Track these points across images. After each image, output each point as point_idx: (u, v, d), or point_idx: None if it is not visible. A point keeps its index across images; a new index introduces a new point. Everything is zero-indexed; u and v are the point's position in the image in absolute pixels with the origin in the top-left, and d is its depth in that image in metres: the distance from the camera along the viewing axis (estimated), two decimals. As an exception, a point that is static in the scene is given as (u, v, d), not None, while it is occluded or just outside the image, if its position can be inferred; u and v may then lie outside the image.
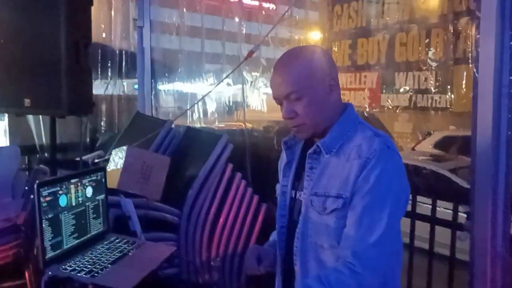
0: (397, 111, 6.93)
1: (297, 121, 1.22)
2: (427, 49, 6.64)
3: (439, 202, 2.56)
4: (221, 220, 2.46)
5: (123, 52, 3.96)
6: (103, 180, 1.46)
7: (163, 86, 3.88)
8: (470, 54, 5.62)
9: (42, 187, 1.18)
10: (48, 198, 1.20)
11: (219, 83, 2.86)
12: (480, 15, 1.65)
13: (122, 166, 2.23)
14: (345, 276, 1.08)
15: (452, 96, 6.29)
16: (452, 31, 6.33)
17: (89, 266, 1.23)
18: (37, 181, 1.16)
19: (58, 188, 1.25)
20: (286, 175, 1.34)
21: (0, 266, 2.87)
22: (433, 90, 6.58)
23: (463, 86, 6.03)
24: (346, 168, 1.18)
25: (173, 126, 2.81)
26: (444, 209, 2.60)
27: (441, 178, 4.79)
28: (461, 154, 5.57)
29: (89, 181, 1.39)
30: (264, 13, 4.35)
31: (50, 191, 1.21)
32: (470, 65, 5.64)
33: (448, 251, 2.47)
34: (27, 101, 1.95)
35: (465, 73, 5.97)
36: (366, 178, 1.14)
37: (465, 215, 2.27)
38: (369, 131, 1.24)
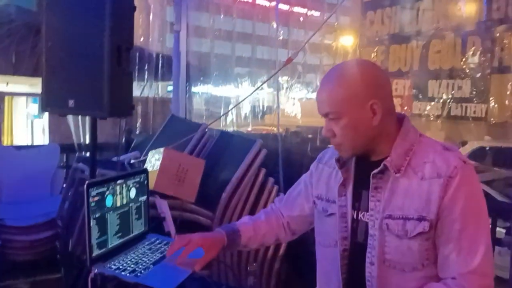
0: (431, 119, 6.78)
1: (335, 141, 1.21)
2: (462, 56, 6.48)
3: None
4: (253, 224, 2.49)
5: (159, 55, 4.05)
6: (146, 182, 1.50)
7: (196, 89, 3.95)
8: (509, 63, 5.45)
9: (91, 187, 1.23)
10: (96, 198, 1.24)
11: (256, 89, 2.89)
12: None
13: (158, 167, 2.28)
14: None
15: (489, 105, 6.11)
16: (489, 38, 6.16)
17: (132, 265, 1.26)
18: (87, 182, 1.21)
19: (105, 189, 1.29)
20: (342, 195, 1.26)
21: (37, 260, 2.99)
22: (468, 99, 6.41)
23: (501, 95, 5.86)
24: (424, 188, 1.13)
25: (207, 130, 2.85)
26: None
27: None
28: (496, 166, 5.40)
29: (133, 183, 1.43)
30: (297, 18, 4.37)
31: (98, 191, 1.26)
32: (509, 74, 5.48)
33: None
34: (71, 102, 2.00)
35: (503, 83, 5.80)
36: (454, 199, 1.10)
37: (502, 230, 2.22)
38: (436, 144, 1.19)
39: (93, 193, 1.23)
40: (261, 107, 4.38)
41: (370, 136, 1.18)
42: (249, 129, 4.50)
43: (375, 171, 1.18)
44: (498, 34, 5.95)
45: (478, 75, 6.11)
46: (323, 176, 1.36)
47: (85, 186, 1.20)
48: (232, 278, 2.30)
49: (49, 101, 2.06)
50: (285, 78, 3.99)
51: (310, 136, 4.82)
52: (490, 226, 2.37)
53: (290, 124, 4.76)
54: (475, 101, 6.20)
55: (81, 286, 1.95)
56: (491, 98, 5.97)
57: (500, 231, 2.25)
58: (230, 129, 3.90)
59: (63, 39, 1.98)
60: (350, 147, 1.20)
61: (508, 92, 5.64)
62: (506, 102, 5.70)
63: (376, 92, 1.16)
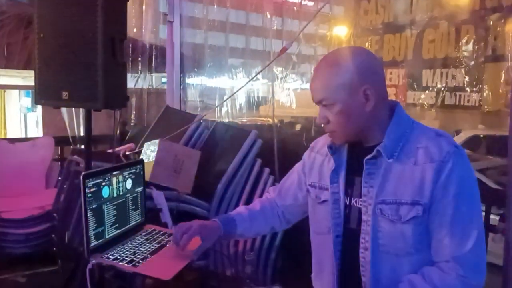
0: (425, 108, 6.80)
1: (329, 128, 1.22)
2: (456, 45, 6.47)
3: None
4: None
5: (153, 46, 4.02)
6: (142, 173, 1.50)
7: (191, 80, 3.93)
8: (502, 52, 5.45)
9: (87, 179, 1.23)
10: (92, 189, 1.24)
11: (251, 79, 2.88)
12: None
13: (154, 159, 2.27)
14: (449, 277, 1.10)
15: (483, 94, 6.13)
16: (483, 27, 6.14)
17: (130, 255, 1.27)
18: (83, 173, 1.20)
19: (101, 180, 1.29)
20: (334, 181, 1.27)
21: (34, 252, 2.99)
22: (462, 88, 6.42)
23: (495, 84, 5.88)
24: (417, 173, 1.14)
25: (202, 121, 2.85)
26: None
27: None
28: (489, 154, 5.43)
29: (129, 174, 1.43)
30: (291, 8, 4.35)
31: (94, 182, 1.25)
32: (503, 63, 5.48)
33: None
34: (64, 94, 1.99)
35: (496, 72, 5.81)
36: (447, 183, 1.12)
37: (495, 217, 2.24)
38: (429, 130, 1.20)
39: (90, 184, 1.23)
40: (256, 98, 4.37)
41: (363, 122, 1.19)
42: (244, 120, 4.49)
43: (368, 156, 1.19)
44: (491, 23, 5.96)
45: (472, 64, 6.11)
46: (316, 164, 1.37)
47: (82, 177, 1.20)
48: (229, 267, 2.31)
49: (43, 94, 2.04)
50: (280, 68, 3.98)
51: (305, 126, 4.83)
52: (485, 213, 2.39)
53: (285, 114, 4.76)
54: (469, 90, 6.22)
55: (78, 277, 1.96)
56: (485, 87, 6.00)
57: (494, 218, 2.27)
58: (225, 121, 3.89)
59: (56, 30, 1.95)
60: (344, 133, 1.21)
61: (501, 81, 5.67)
62: (500, 90, 5.73)
63: (369, 77, 1.17)
